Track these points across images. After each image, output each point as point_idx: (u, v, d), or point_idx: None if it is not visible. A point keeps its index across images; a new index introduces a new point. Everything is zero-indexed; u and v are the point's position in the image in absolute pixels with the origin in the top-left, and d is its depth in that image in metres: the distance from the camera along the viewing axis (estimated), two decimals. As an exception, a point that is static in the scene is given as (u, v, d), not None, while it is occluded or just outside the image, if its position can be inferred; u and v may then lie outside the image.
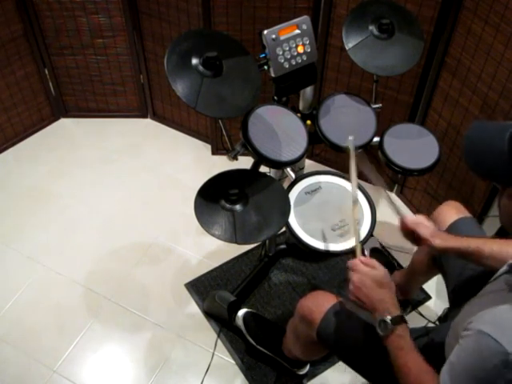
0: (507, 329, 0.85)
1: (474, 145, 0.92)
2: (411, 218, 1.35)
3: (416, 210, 2.27)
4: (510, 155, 0.85)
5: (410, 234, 1.34)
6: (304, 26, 1.51)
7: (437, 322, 1.83)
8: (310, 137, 1.53)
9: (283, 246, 2.07)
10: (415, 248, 1.79)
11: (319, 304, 1.31)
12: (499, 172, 0.88)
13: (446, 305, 1.46)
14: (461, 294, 1.35)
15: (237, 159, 1.52)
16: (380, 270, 1.12)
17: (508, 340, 0.82)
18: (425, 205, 2.22)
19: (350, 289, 1.13)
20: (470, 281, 1.34)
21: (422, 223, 1.33)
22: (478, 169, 0.92)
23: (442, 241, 1.28)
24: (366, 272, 1.11)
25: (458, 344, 0.93)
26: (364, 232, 1.47)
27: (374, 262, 1.14)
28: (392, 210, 1.43)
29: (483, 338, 0.85)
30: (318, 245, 1.43)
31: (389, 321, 1.05)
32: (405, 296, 1.84)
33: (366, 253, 2.03)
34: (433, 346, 1.23)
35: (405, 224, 1.35)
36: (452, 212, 1.50)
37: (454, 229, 1.46)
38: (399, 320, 1.06)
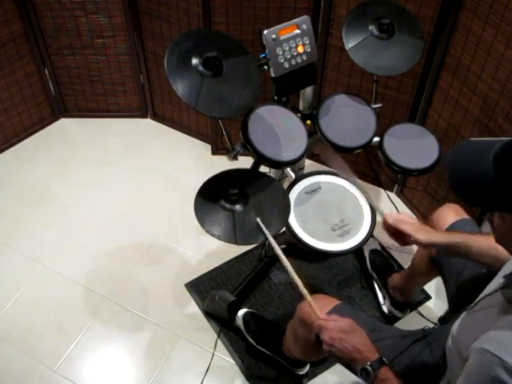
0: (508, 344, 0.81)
1: (456, 169, 0.83)
2: (393, 215, 1.34)
3: (416, 209, 2.27)
4: (495, 178, 0.77)
5: (395, 232, 1.33)
6: (304, 26, 1.51)
7: (437, 323, 1.83)
8: (310, 137, 1.53)
9: (283, 246, 2.07)
10: (415, 248, 1.79)
11: (318, 307, 1.31)
12: (484, 197, 0.79)
13: (446, 305, 1.45)
14: (460, 297, 1.35)
15: (237, 159, 1.52)
16: (344, 320, 1.13)
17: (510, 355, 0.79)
18: (425, 205, 2.22)
19: (325, 349, 1.13)
20: (468, 283, 1.33)
21: (403, 220, 1.31)
22: (464, 195, 0.81)
23: (426, 235, 1.26)
24: (332, 327, 1.12)
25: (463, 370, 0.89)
26: (364, 233, 1.47)
27: (333, 316, 1.15)
28: (368, 201, 1.41)
29: (485, 356, 0.82)
30: (318, 245, 1.44)
31: (369, 367, 1.05)
32: (405, 298, 1.83)
33: (366, 254, 2.03)
34: (431, 351, 1.22)
35: (387, 223, 1.33)
36: (451, 214, 1.49)
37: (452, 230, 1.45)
38: (379, 364, 1.06)
